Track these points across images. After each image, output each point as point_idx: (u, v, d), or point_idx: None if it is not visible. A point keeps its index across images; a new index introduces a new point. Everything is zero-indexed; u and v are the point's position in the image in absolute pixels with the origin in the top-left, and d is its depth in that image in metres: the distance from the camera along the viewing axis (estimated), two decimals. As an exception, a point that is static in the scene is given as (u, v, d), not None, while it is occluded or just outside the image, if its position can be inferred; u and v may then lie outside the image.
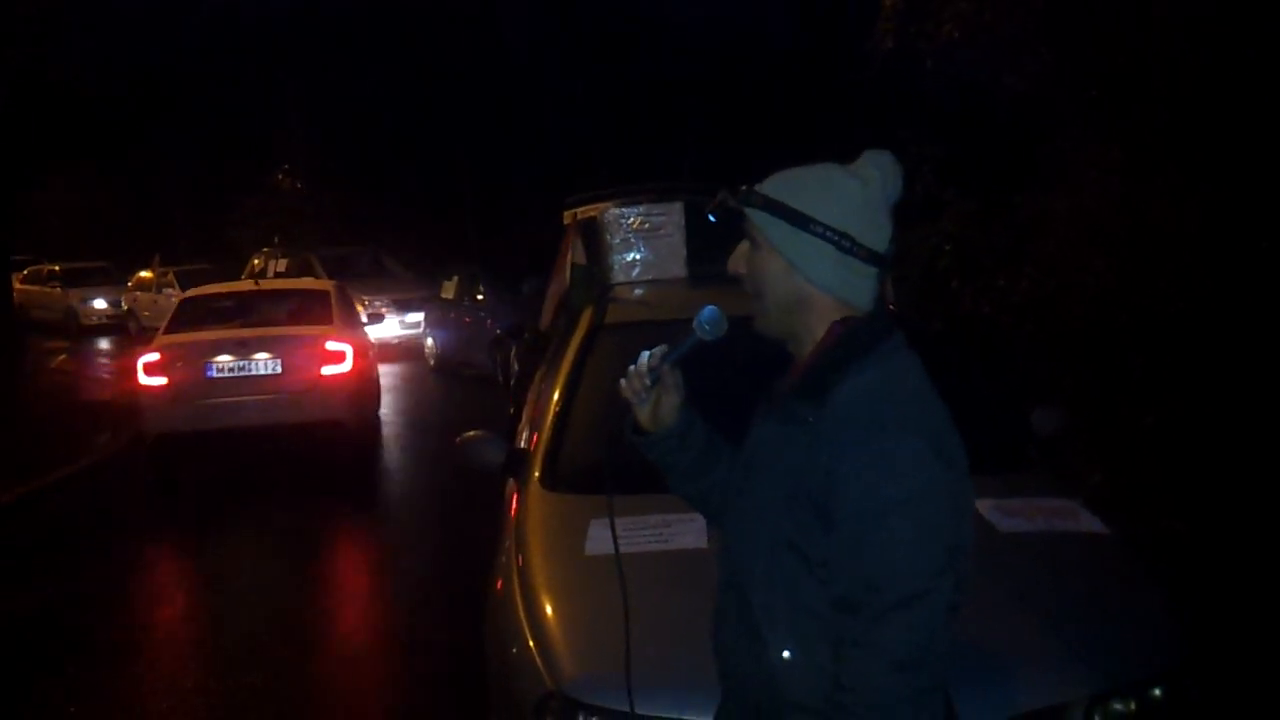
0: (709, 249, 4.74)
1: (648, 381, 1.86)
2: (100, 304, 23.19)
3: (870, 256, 1.68)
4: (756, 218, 1.72)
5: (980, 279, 7.89)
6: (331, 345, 8.85)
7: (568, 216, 5.43)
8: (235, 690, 4.91)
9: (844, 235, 1.66)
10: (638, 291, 4.60)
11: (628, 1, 19.57)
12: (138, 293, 21.90)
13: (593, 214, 5.01)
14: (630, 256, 4.76)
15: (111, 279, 23.77)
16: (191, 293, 10.34)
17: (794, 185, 1.71)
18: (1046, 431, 3.76)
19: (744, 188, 1.75)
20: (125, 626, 5.84)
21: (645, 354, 1.88)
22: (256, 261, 19.85)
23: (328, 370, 8.82)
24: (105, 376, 16.88)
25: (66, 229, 29.68)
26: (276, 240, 22.41)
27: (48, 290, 23.88)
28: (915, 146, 7.63)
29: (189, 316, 9.29)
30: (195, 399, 8.50)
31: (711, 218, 1.83)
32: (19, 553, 7.41)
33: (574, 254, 4.83)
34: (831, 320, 1.71)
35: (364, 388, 9.71)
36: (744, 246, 1.78)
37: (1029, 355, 7.41)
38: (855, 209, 1.68)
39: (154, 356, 8.53)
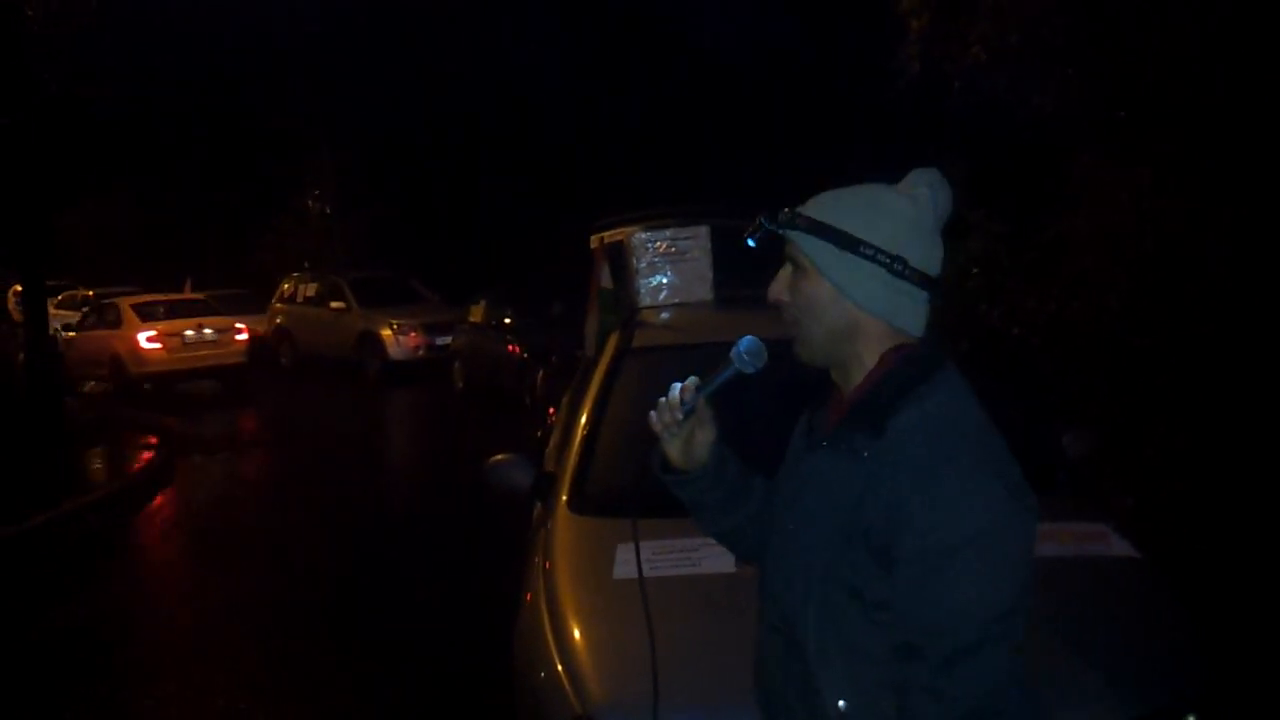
0: (736, 273, 4.77)
1: (679, 415, 1.74)
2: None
3: (923, 280, 1.60)
4: (801, 241, 1.62)
5: (1008, 300, 7.87)
6: (239, 325, 16.90)
7: (594, 241, 5.45)
8: (264, 712, 4.94)
9: (896, 258, 1.57)
10: (664, 315, 4.60)
11: (654, 24, 19.66)
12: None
13: (619, 238, 5.03)
14: (657, 280, 4.76)
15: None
16: (138, 299, 17.37)
17: (841, 207, 1.62)
18: (1078, 454, 3.73)
19: (786, 210, 1.65)
20: (157, 647, 5.89)
21: (676, 385, 1.75)
22: (286, 285, 20.02)
23: (239, 339, 16.77)
24: (137, 399, 17.07)
25: (99, 253, 30.04)
26: (306, 264, 22.61)
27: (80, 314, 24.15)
28: (942, 168, 7.61)
29: (145, 313, 16.36)
30: (177, 351, 15.97)
31: (750, 242, 1.70)
32: (54, 573, 7.48)
33: (601, 278, 4.85)
34: (884, 347, 1.62)
35: (249, 347, 17.04)
36: (785, 272, 1.68)
37: (1058, 376, 7.36)
38: (906, 230, 1.60)
39: (152, 333, 15.84)
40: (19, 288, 14.56)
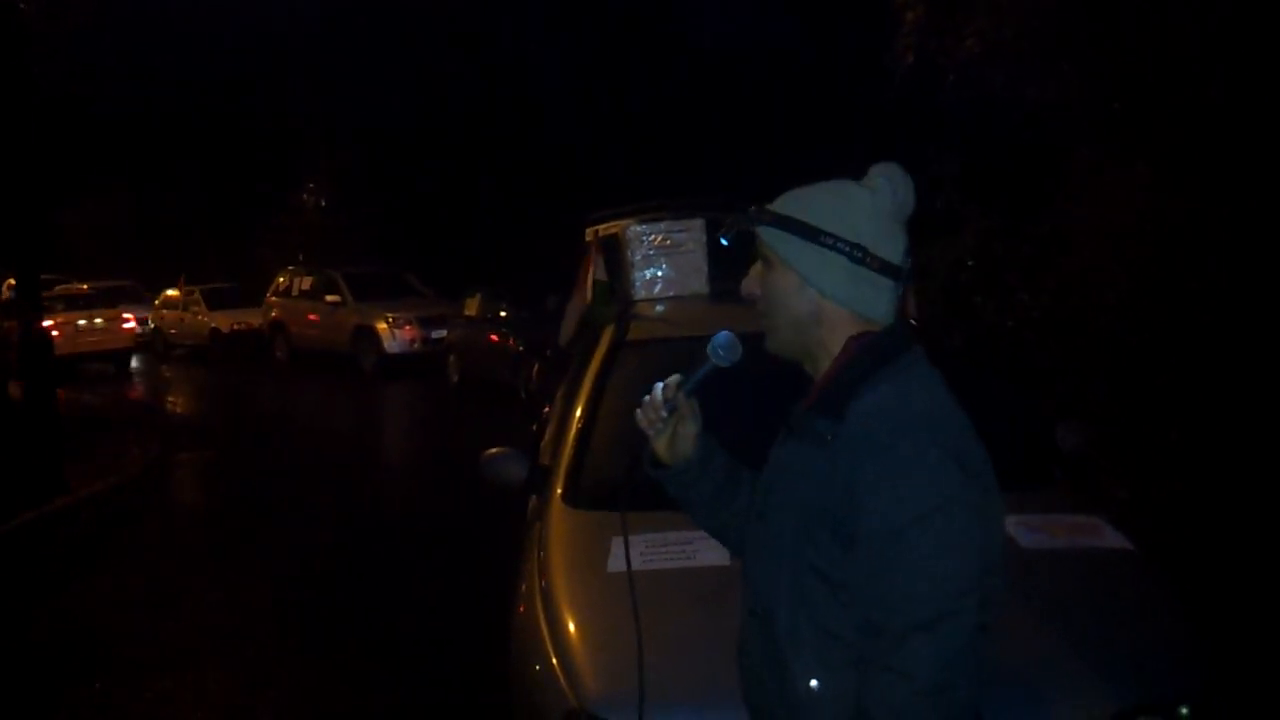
0: (731, 265, 4.76)
1: (664, 412, 1.80)
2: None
3: (884, 267, 1.64)
4: (768, 235, 1.69)
5: (1003, 294, 7.87)
6: (126, 315, 19.99)
7: (589, 234, 5.44)
8: (262, 706, 4.94)
9: (855, 246, 1.63)
10: (659, 308, 4.60)
11: (650, 19, 19.64)
12: (164, 311, 22.10)
13: (614, 231, 5.02)
14: (652, 273, 4.77)
15: (138, 298, 24.00)
16: (52, 292, 18.20)
17: (805, 200, 1.69)
18: (1070, 447, 3.74)
19: (754, 207, 1.72)
20: (153, 642, 5.88)
21: (659, 385, 1.82)
22: (282, 280, 20.02)
23: (127, 327, 19.89)
24: (132, 395, 17.06)
25: (94, 248, 29.95)
26: (301, 259, 22.59)
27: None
28: (937, 162, 7.62)
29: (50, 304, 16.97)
30: (72, 338, 18.14)
31: (724, 240, 1.79)
32: (49, 568, 7.48)
33: (596, 271, 4.85)
34: (848, 335, 1.67)
35: (135, 334, 20.49)
36: (757, 268, 1.75)
37: (1052, 370, 7.37)
38: (866, 219, 1.65)
39: (50, 323, 14.65)
40: (12, 281, 14.56)
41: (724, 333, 1.79)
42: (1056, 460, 3.64)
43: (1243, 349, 6.27)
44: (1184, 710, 2.47)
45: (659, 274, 4.76)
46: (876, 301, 1.66)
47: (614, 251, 4.90)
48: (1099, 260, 7.09)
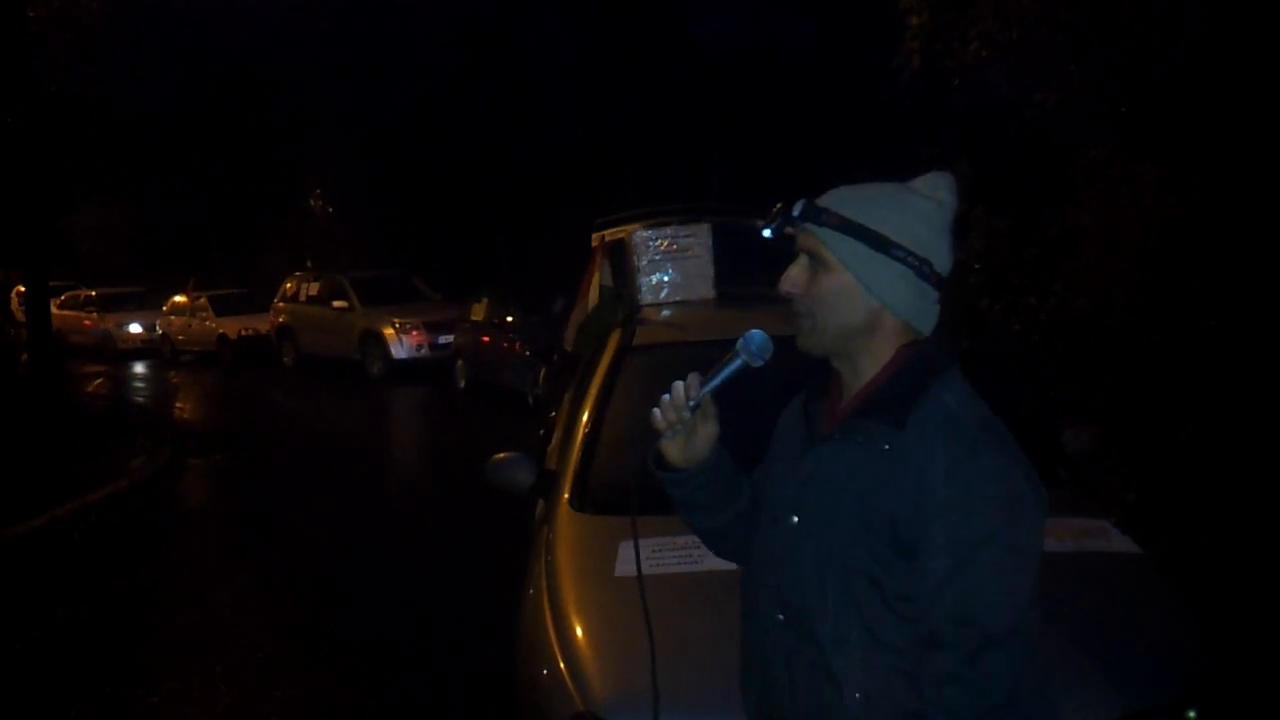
0: (737, 270, 4.78)
1: (685, 413, 1.72)
2: (135, 328, 23.49)
3: (939, 282, 1.64)
4: (826, 237, 1.63)
5: (1010, 297, 7.85)
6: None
7: (595, 238, 5.45)
8: (269, 708, 4.95)
9: (924, 261, 1.61)
10: (666, 313, 4.61)
11: (657, 24, 19.66)
12: (172, 317, 22.18)
13: (621, 236, 5.04)
14: (658, 278, 4.78)
15: (146, 304, 24.09)
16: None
17: (870, 206, 1.63)
18: (1077, 450, 3.74)
19: (809, 204, 1.65)
20: (161, 646, 5.90)
21: (680, 382, 1.73)
22: (289, 285, 20.05)
23: None
24: (140, 400, 17.11)
25: (102, 253, 30.08)
26: (308, 264, 22.63)
27: (84, 315, 24.23)
28: (943, 164, 7.61)
29: None
30: None
31: (767, 232, 1.70)
32: (58, 572, 7.51)
33: (602, 275, 4.86)
34: (898, 343, 1.65)
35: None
36: (801, 264, 1.68)
37: (1059, 373, 7.35)
38: (929, 232, 1.63)
39: None
40: (21, 288, 14.63)
41: (757, 331, 1.71)
42: (1063, 463, 3.63)
43: (1251, 351, 6.25)
44: (1191, 713, 2.47)
45: (665, 279, 4.77)
46: (929, 314, 1.66)
47: (621, 256, 4.91)
48: (1106, 261, 7.07)
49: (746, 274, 4.68)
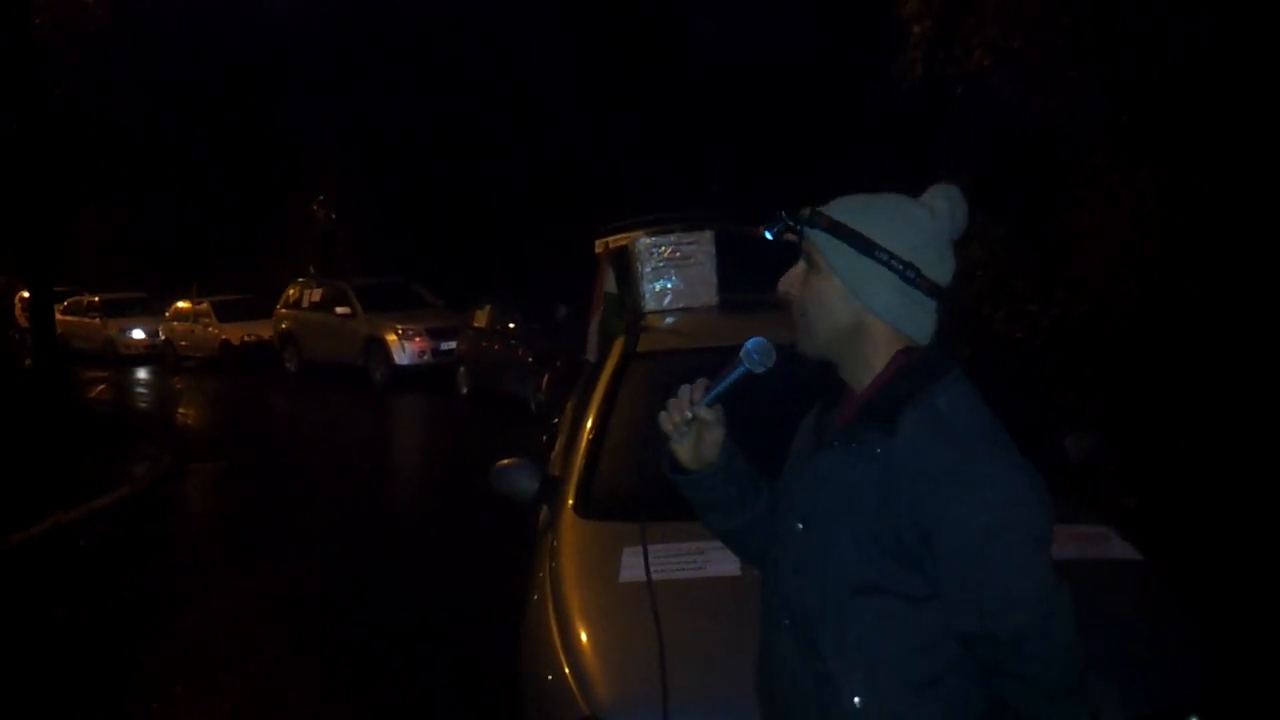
0: (740, 277, 4.79)
1: (689, 416, 1.77)
2: (138, 334, 23.54)
3: (932, 289, 1.65)
4: (819, 240, 1.67)
5: (1011, 304, 7.87)
6: None
7: (599, 246, 5.47)
8: (273, 712, 4.97)
9: (909, 265, 1.63)
10: (669, 320, 4.62)
11: (660, 30, 19.68)
12: (175, 323, 22.21)
13: (624, 243, 5.04)
14: (662, 285, 4.78)
15: (149, 310, 24.12)
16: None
17: (862, 211, 1.67)
18: (1080, 457, 3.74)
19: (807, 208, 1.70)
20: (164, 651, 5.91)
21: (685, 387, 1.78)
22: (292, 291, 20.07)
23: None
24: (143, 406, 17.13)
25: (105, 259, 30.10)
26: (311, 270, 22.65)
27: (88, 321, 24.27)
28: (945, 171, 7.64)
29: None
30: None
31: (768, 234, 1.73)
32: (61, 578, 7.52)
33: (605, 283, 4.87)
34: (892, 350, 1.67)
35: None
36: (799, 268, 1.73)
37: (1061, 380, 7.37)
38: (923, 240, 1.65)
39: None
40: (25, 293, 14.66)
41: (759, 338, 1.75)
42: (1064, 469, 3.64)
43: (1251, 353, 6.26)
44: (1193, 719, 2.48)
45: (669, 286, 4.78)
46: (920, 321, 1.67)
47: (624, 263, 4.92)
48: (1106, 266, 7.10)
49: (749, 281, 4.69)
